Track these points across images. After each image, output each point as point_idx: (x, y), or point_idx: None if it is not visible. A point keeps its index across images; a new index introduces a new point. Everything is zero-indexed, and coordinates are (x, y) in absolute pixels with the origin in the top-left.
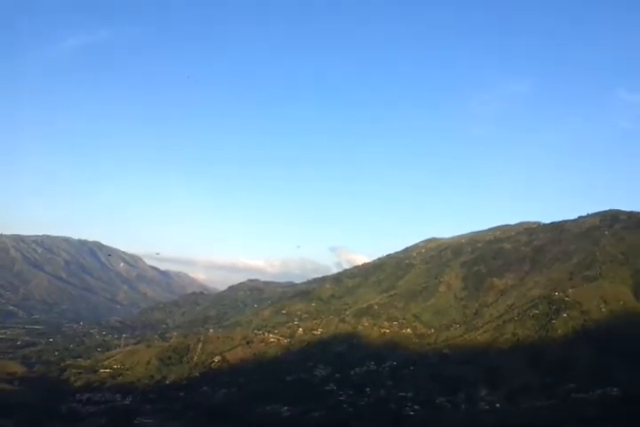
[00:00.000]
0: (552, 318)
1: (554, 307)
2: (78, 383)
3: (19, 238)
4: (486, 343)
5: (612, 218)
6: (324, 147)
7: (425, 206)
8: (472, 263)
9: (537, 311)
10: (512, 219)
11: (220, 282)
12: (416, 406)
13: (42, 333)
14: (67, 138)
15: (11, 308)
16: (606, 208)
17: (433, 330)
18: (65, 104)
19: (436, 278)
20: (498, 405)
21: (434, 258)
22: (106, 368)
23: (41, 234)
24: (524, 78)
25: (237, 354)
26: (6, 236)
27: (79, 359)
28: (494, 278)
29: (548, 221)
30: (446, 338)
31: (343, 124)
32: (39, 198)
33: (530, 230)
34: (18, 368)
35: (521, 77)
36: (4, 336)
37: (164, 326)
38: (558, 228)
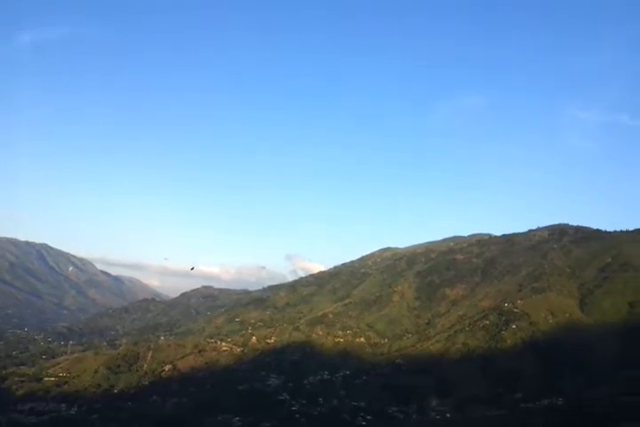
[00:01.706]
0: (502, 329)
1: (503, 318)
2: (20, 392)
3: None
4: (438, 353)
5: (560, 232)
6: (283, 157)
7: (381, 216)
8: (426, 273)
9: (487, 322)
10: (466, 231)
11: (173, 289)
12: (369, 417)
13: None
14: (20, 137)
15: None
16: (555, 222)
17: (386, 339)
18: (21, 102)
19: (390, 288)
20: (448, 415)
21: (389, 267)
22: (50, 377)
23: None
24: (479, 93)
25: (189, 363)
26: None
27: (22, 367)
28: (446, 289)
29: (499, 234)
30: (399, 348)
31: (303, 134)
32: None
33: (482, 242)
34: None
35: (476, 92)
36: None
37: (113, 332)
38: (509, 240)
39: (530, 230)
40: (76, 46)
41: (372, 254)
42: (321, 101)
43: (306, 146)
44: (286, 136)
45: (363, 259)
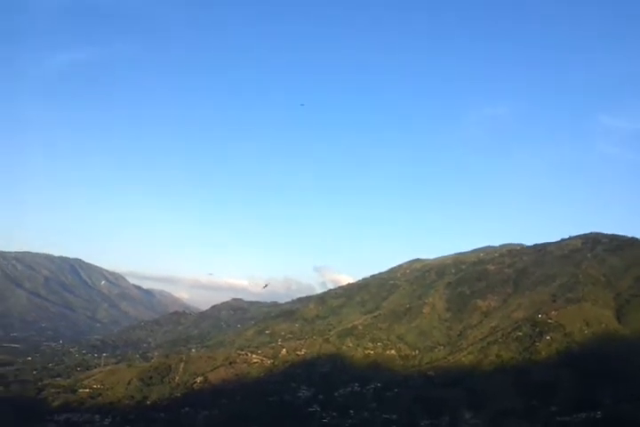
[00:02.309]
0: (535, 341)
1: (537, 329)
2: (56, 403)
3: None
4: (470, 365)
5: (593, 241)
6: (309, 168)
7: (410, 227)
8: (456, 285)
9: (520, 333)
10: (496, 241)
11: (203, 301)
12: None
13: (20, 351)
14: (49, 155)
15: None
16: (588, 231)
17: (417, 351)
18: (50, 121)
19: (420, 299)
20: None
21: (418, 279)
22: (85, 388)
23: (22, 250)
24: (503, 103)
25: (220, 375)
26: None
27: (58, 379)
28: (478, 300)
29: (531, 244)
30: (430, 360)
31: (328, 145)
32: (21, 215)
33: (513, 252)
34: None
35: (499, 102)
36: None
37: (145, 345)
38: (541, 250)
39: (562, 240)
40: (107, 65)
41: (401, 266)
42: (342, 112)
43: (333, 159)
44: (313, 150)
45: (392, 270)
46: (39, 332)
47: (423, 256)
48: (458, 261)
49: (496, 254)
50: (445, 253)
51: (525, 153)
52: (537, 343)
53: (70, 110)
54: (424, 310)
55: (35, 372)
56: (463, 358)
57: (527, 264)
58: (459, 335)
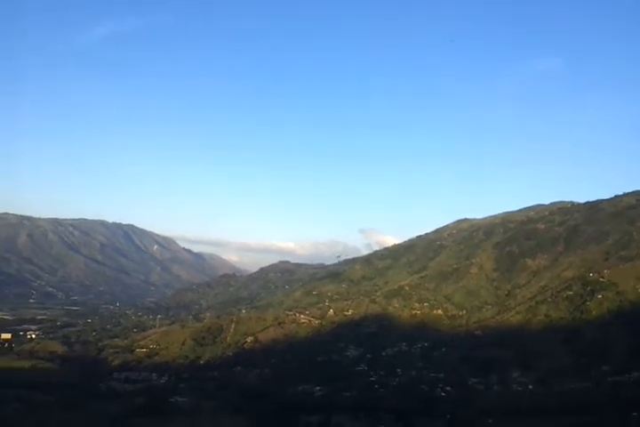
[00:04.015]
0: (586, 300)
1: (588, 288)
2: (116, 363)
3: (56, 222)
4: (519, 325)
5: None
6: (355, 129)
7: (456, 187)
8: (504, 244)
9: (571, 293)
10: (546, 199)
11: (251, 264)
12: (448, 388)
13: (80, 314)
14: (101, 124)
15: (50, 289)
16: None
17: (464, 311)
18: (95, 93)
19: (467, 260)
20: (531, 387)
21: (465, 239)
22: (142, 348)
23: (77, 217)
24: (556, 55)
25: (269, 335)
26: (44, 219)
27: (116, 339)
28: (527, 259)
29: (582, 201)
30: (478, 319)
31: (370, 109)
32: (75, 182)
33: (564, 210)
34: (58, 348)
35: (552, 55)
36: (44, 317)
37: (197, 306)
38: (593, 207)
39: (615, 196)
40: (149, 37)
41: (448, 226)
42: (384, 73)
43: (376, 116)
44: (357, 112)
45: (438, 231)
46: (97, 295)
47: (470, 216)
48: (506, 220)
49: (546, 213)
50: (493, 213)
51: (575, 107)
52: (588, 302)
53: (118, 79)
54: (471, 270)
55: (94, 333)
56: (511, 318)
57: (579, 222)
58: (507, 295)
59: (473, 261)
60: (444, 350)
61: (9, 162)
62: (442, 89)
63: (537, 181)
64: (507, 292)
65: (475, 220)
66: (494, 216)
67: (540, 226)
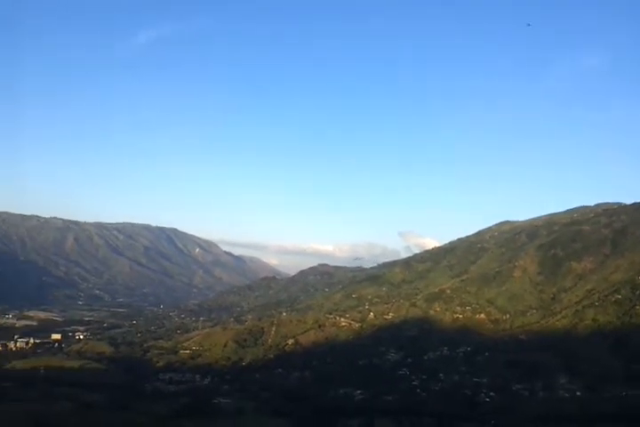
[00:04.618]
0: (636, 304)
1: (638, 292)
2: (160, 364)
3: (101, 226)
4: (565, 330)
5: None
6: (394, 130)
7: (498, 189)
8: (549, 247)
9: (619, 296)
10: (590, 200)
11: (291, 267)
12: (492, 393)
13: (125, 315)
14: (144, 129)
15: (97, 292)
16: None
17: (508, 315)
18: (138, 97)
19: (510, 263)
20: (578, 393)
21: (508, 241)
22: (185, 349)
23: (122, 221)
24: (598, 52)
25: (310, 337)
26: (90, 224)
27: (160, 341)
28: (572, 262)
29: (629, 202)
30: (522, 324)
31: (411, 109)
32: (119, 187)
33: (610, 212)
34: (106, 349)
35: (594, 51)
36: (92, 318)
37: (238, 309)
38: None
39: None
40: (188, 41)
41: (489, 228)
42: (424, 66)
43: (416, 116)
44: (397, 113)
45: (479, 233)
46: (142, 297)
47: (512, 218)
48: (550, 222)
49: (591, 214)
50: (536, 215)
51: (620, 106)
52: (637, 306)
53: (157, 82)
54: (515, 274)
55: (139, 334)
56: (557, 322)
57: (626, 224)
58: (552, 299)
59: (516, 264)
60: (487, 354)
61: (56, 168)
62: (480, 89)
63: (580, 182)
64: (552, 296)
65: (517, 222)
66: (537, 218)
67: (586, 228)
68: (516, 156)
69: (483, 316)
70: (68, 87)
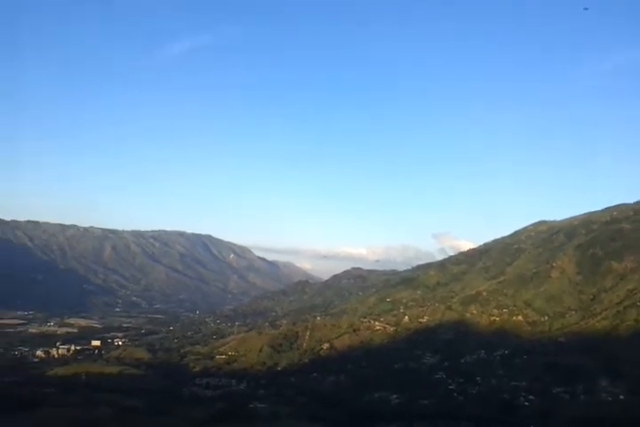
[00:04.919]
0: None
1: None
2: (197, 369)
3: (138, 234)
4: (606, 331)
5: None
6: (430, 131)
7: (533, 189)
8: (587, 246)
9: None
10: (629, 197)
11: (324, 271)
12: (531, 396)
13: (162, 321)
14: (177, 138)
15: (134, 298)
16: None
17: (546, 317)
18: (170, 104)
19: (547, 263)
20: (621, 396)
21: (545, 242)
22: (221, 355)
23: (157, 229)
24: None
25: (344, 341)
26: (127, 232)
27: (197, 346)
28: (613, 262)
29: None
30: (561, 326)
31: (444, 110)
32: (155, 195)
33: None
34: (144, 354)
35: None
36: (130, 325)
37: (273, 313)
38: None
39: None
40: (222, 50)
41: (525, 229)
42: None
43: (454, 114)
44: (430, 111)
45: (515, 234)
46: (178, 303)
47: (549, 218)
48: (588, 221)
49: (630, 212)
50: (573, 214)
51: None
52: None
53: (193, 91)
54: (552, 274)
55: (176, 340)
56: (597, 324)
57: None
58: (592, 300)
59: (554, 264)
60: (525, 357)
61: (94, 178)
62: (513, 90)
63: (618, 179)
64: (591, 296)
65: (554, 222)
66: (574, 217)
67: (626, 226)
68: (551, 155)
69: (520, 318)
70: (106, 94)
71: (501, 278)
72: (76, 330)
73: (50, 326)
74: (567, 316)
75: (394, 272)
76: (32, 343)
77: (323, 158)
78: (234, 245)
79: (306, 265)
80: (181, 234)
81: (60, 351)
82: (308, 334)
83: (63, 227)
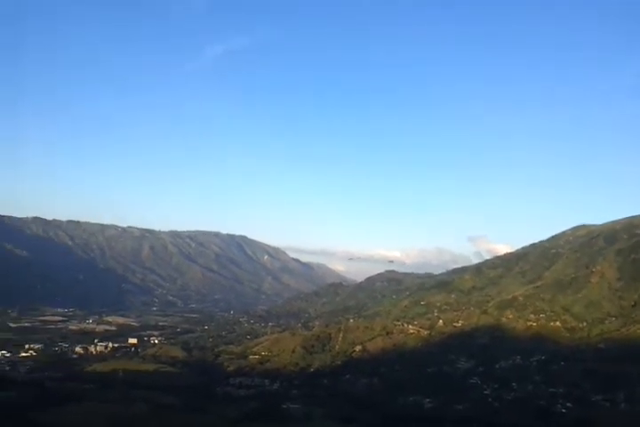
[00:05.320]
0: None
1: None
2: (231, 368)
3: (175, 234)
4: None
5: None
6: (466, 135)
7: (572, 192)
8: (629, 251)
9: None
10: None
11: (357, 273)
12: (569, 404)
13: (198, 321)
14: (215, 140)
15: (170, 298)
16: None
17: (585, 323)
18: (207, 108)
19: (587, 268)
20: None
21: (584, 246)
22: (255, 355)
23: (194, 230)
24: None
25: (377, 344)
26: (164, 232)
27: (231, 346)
28: None
29: None
30: (601, 332)
31: (481, 113)
32: (192, 197)
33: None
34: (179, 353)
35: None
36: (166, 324)
37: (306, 315)
38: None
39: None
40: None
41: (564, 233)
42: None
43: (491, 117)
44: (467, 113)
45: (553, 238)
46: (213, 303)
47: (588, 222)
48: (630, 225)
49: None
50: (614, 218)
51: None
52: None
53: (227, 94)
54: (592, 280)
55: (211, 339)
56: (638, 331)
57: None
58: (633, 306)
59: (593, 269)
60: (562, 363)
61: (132, 179)
62: (552, 93)
63: None
64: (632, 303)
65: (593, 226)
66: (616, 221)
67: None
68: (593, 158)
69: (558, 324)
70: (145, 95)
71: (539, 283)
72: (113, 328)
73: (89, 323)
74: (607, 322)
75: (429, 275)
76: (71, 340)
77: (358, 160)
78: (268, 246)
79: (339, 267)
80: (217, 234)
81: (98, 348)
82: (340, 335)
83: (103, 227)
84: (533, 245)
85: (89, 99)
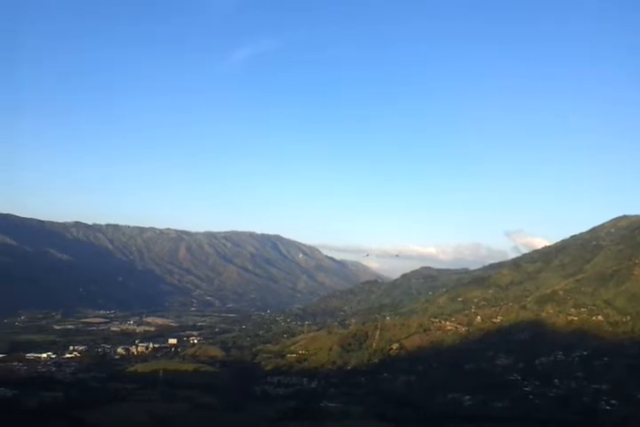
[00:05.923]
0: None
1: None
2: (269, 367)
3: (211, 235)
4: None
5: None
6: (504, 126)
7: (612, 182)
8: None
9: None
10: None
11: (392, 270)
12: (613, 401)
13: (235, 320)
14: (248, 142)
15: (208, 298)
16: None
17: (629, 317)
18: (237, 113)
19: (629, 260)
20: None
21: (626, 238)
22: (292, 353)
23: (229, 230)
24: None
25: (414, 341)
26: (201, 233)
27: (268, 345)
28: None
29: None
30: None
31: (521, 107)
32: (227, 198)
33: None
34: (218, 352)
35: None
36: (204, 323)
37: (341, 313)
38: None
39: None
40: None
41: (604, 225)
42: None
43: (532, 111)
44: (502, 108)
45: (594, 230)
46: (249, 302)
47: (631, 212)
48: None
49: None
50: None
51: None
52: None
53: (254, 96)
54: (635, 272)
55: (248, 338)
56: None
57: None
58: None
59: (636, 261)
60: (606, 359)
61: (169, 182)
62: (579, 83)
63: None
64: None
65: (636, 217)
66: None
67: None
68: (633, 147)
69: (600, 318)
70: (181, 98)
71: (579, 276)
72: (153, 328)
73: (129, 324)
74: None
75: (465, 271)
76: (113, 341)
77: (391, 157)
78: (302, 244)
79: (374, 264)
80: (252, 235)
81: (139, 349)
82: (377, 333)
83: (141, 229)
84: (573, 238)
85: (119, 102)
